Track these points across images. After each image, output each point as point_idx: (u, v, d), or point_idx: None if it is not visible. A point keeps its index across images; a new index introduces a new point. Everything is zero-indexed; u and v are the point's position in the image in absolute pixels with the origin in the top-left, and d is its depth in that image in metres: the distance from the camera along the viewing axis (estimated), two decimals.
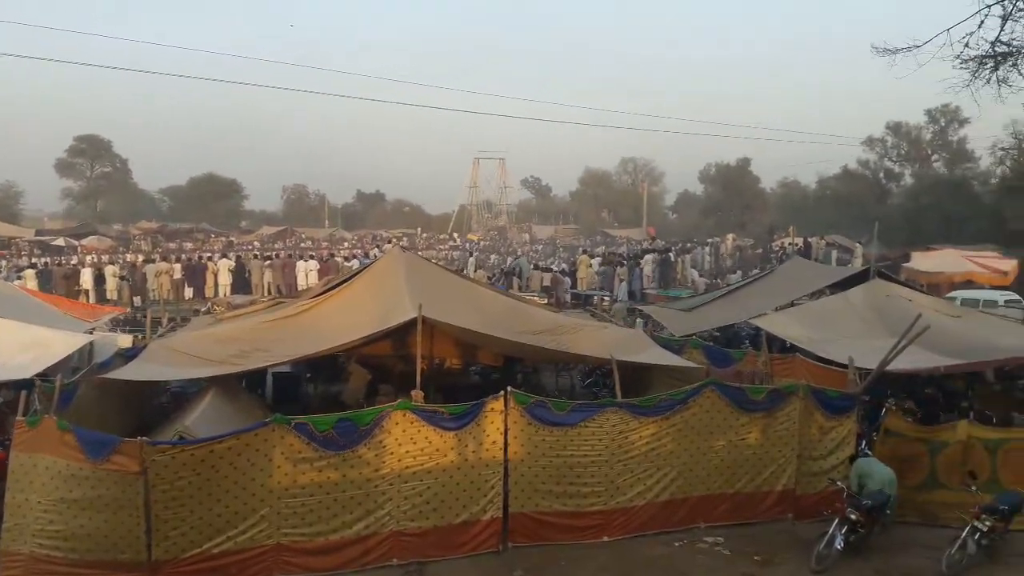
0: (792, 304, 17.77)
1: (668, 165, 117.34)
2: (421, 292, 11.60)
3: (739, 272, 34.97)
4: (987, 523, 9.39)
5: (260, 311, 14.72)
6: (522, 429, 9.65)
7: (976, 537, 9.36)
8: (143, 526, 8.41)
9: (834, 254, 38.79)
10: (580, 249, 45.03)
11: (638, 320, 20.44)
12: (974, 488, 9.92)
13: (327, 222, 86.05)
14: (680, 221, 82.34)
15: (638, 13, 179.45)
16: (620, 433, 9.99)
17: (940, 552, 9.32)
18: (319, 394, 15.18)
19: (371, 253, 35.27)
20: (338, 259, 35.12)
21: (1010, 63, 6.97)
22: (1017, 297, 25.95)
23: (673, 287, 32.22)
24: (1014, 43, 6.90)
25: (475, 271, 33.07)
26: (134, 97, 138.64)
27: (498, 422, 9.54)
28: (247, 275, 31.97)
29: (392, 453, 9.15)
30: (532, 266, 35.63)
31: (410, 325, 10.81)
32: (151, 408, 13.30)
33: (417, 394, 10.12)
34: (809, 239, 42.17)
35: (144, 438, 8.50)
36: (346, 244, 56.76)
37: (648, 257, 35.18)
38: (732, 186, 68.88)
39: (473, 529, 9.51)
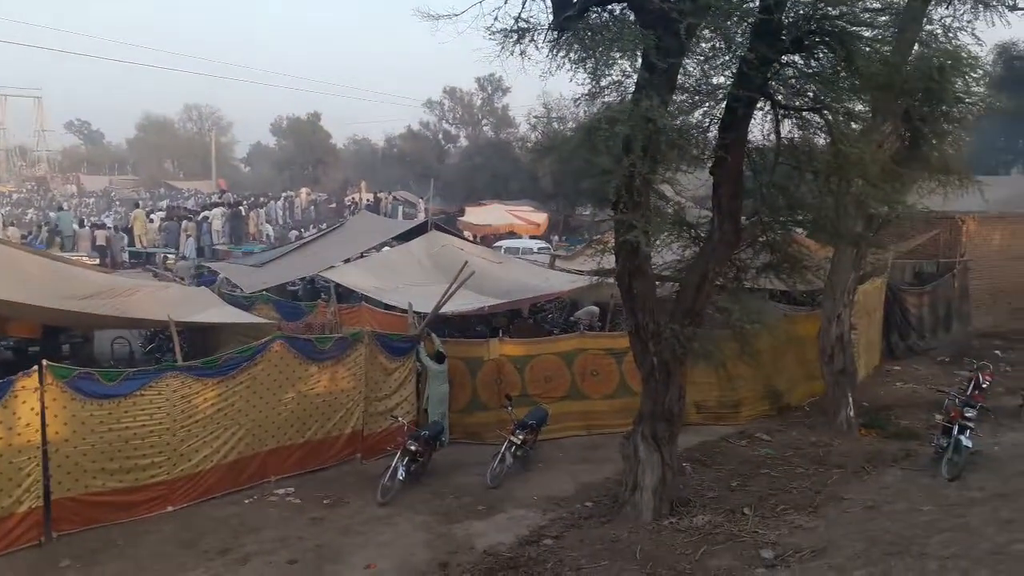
0: (361, 256, 18.66)
1: (237, 115, 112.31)
2: None
3: (312, 227, 35.28)
4: (520, 437, 11.07)
5: None
6: (64, 406, 8.61)
7: (513, 450, 10.99)
8: None
9: (401, 209, 41.44)
10: (133, 203, 40.87)
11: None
12: (510, 408, 11.62)
13: None
14: (253, 174, 79.40)
15: None
16: (183, 398, 9.52)
17: (486, 467, 10.73)
18: None
19: None
20: None
21: (529, 38, 8.12)
22: (547, 245, 30.60)
23: (246, 242, 31.38)
24: (532, 20, 8.03)
25: (4, 229, 28.20)
26: None
27: (32, 401, 8.37)
28: None
29: None
30: (80, 222, 31.59)
31: None
32: None
33: None
34: (379, 194, 44.35)
35: None
36: None
37: (217, 211, 33.70)
38: (305, 140, 68.40)
39: (6, 525, 8.27)
